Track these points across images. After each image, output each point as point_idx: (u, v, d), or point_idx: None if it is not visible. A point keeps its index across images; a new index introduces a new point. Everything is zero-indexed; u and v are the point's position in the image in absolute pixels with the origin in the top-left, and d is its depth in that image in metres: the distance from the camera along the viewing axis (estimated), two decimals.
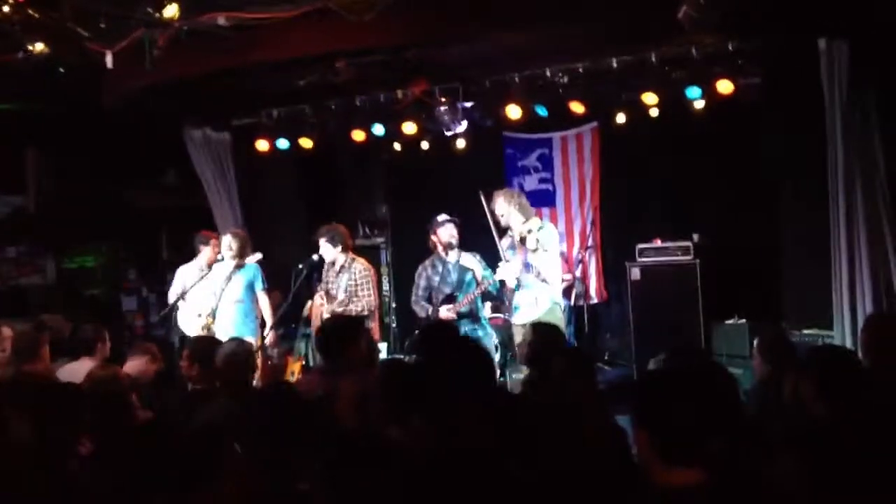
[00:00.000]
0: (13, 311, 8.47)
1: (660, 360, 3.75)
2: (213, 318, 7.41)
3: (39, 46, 5.89)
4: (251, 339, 7.10)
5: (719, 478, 2.42)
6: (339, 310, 6.92)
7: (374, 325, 7.16)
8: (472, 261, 6.94)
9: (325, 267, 7.32)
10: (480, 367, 3.78)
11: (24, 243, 9.78)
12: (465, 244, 7.24)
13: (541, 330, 5.09)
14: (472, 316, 6.94)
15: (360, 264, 7.22)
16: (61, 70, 6.42)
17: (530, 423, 3.33)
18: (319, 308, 7.13)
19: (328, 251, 7.16)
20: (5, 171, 9.63)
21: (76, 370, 5.52)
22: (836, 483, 2.63)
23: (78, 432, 3.53)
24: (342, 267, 7.16)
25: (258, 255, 7.55)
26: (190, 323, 7.56)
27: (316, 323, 7.17)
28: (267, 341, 7.43)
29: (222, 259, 7.54)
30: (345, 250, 7.20)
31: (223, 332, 7.14)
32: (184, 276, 7.76)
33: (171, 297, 7.72)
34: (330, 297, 7.12)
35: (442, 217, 7.06)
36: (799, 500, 2.73)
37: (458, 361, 4.30)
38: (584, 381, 3.94)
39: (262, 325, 7.51)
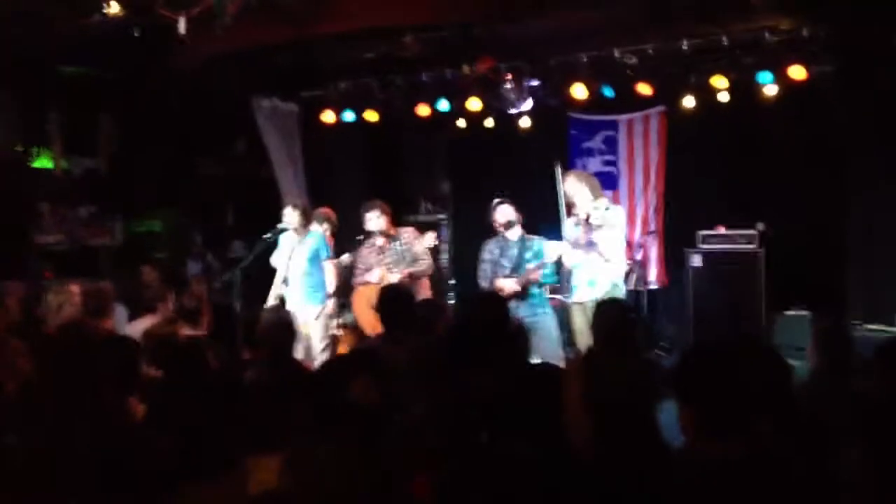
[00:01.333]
0: (82, 271, 8.70)
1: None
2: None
3: (115, 9, 6.01)
4: (318, 309, 7.25)
5: (758, 455, 2.40)
6: (407, 272, 7.02)
7: (426, 286, 7.24)
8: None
9: (366, 245, 7.35)
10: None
11: (95, 205, 10.03)
12: (525, 225, 7.20)
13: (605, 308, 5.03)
14: (533, 294, 6.87)
15: (408, 232, 7.34)
16: (135, 34, 6.54)
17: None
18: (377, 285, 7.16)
19: (380, 223, 7.21)
20: (80, 133, 9.87)
21: (138, 327, 5.73)
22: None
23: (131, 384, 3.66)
24: (391, 237, 7.23)
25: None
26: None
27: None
28: (327, 311, 7.50)
29: (286, 230, 7.63)
30: (392, 223, 7.29)
31: (293, 303, 7.30)
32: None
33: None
34: (386, 266, 7.18)
35: (495, 200, 7.03)
36: (863, 489, 2.69)
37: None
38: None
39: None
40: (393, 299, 5.05)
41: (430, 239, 7.51)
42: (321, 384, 3.38)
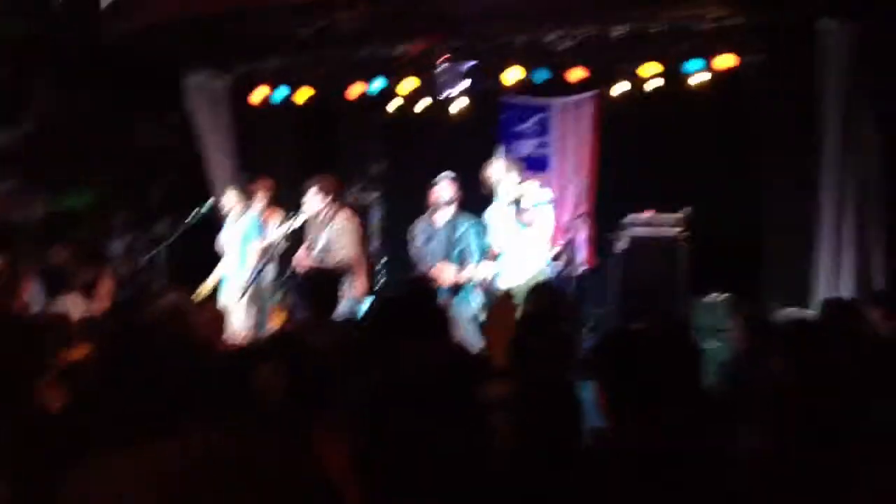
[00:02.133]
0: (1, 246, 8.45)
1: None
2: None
3: None
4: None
5: (668, 441, 2.45)
6: (317, 261, 6.92)
7: (360, 281, 7.16)
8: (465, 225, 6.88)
9: (310, 219, 7.29)
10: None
11: (17, 178, 9.74)
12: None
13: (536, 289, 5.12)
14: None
15: (343, 216, 7.18)
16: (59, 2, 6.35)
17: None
18: (304, 259, 7.12)
19: (315, 203, 7.11)
20: (2, 101, 9.56)
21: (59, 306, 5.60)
22: (797, 450, 2.68)
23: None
24: (326, 218, 7.14)
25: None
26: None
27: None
28: (249, 291, 7.41)
29: (212, 209, 7.55)
30: (332, 202, 7.17)
31: (227, 283, 7.28)
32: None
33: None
34: (310, 248, 7.12)
35: (441, 175, 7.04)
36: (763, 466, 2.78)
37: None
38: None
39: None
40: (317, 283, 5.05)
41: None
42: (223, 370, 3.37)
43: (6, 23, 8.33)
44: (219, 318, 5.02)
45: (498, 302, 4.97)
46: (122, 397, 3.08)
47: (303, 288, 5.02)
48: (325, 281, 5.15)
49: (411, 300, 4.47)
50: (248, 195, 7.48)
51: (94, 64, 8.77)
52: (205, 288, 7.47)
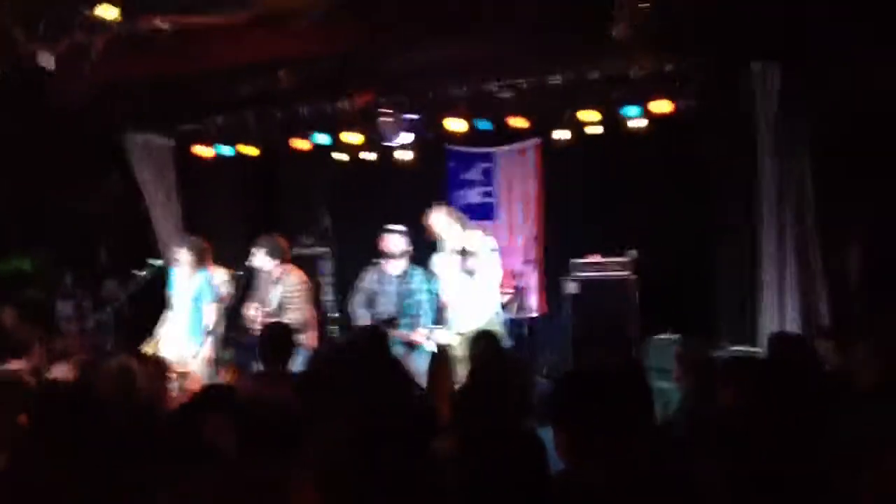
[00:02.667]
0: None
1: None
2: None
3: None
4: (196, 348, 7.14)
5: (624, 477, 2.48)
6: (272, 319, 6.89)
7: (311, 336, 7.13)
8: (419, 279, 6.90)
9: (259, 276, 7.27)
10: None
11: None
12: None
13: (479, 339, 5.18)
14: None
15: (295, 277, 7.16)
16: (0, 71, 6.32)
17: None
18: (254, 316, 7.08)
19: (265, 262, 7.11)
20: None
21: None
22: (751, 482, 2.73)
23: None
24: (277, 278, 7.12)
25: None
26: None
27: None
28: (205, 352, 7.34)
29: (157, 267, 7.48)
30: (282, 262, 7.16)
31: (174, 340, 7.18)
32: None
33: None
34: (263, 306, 7.09)
35: (389, 226, 7.08)
36: (718, 500, 2.82)
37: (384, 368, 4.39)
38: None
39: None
40: (274, 339, 5.03)
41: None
42: (174, 425, 3.35)
43: None
44: (163, 374, 4.97)
45: (435, 357, 5.02)
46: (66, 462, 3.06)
47: (261, 341, 4.98)
48: (281, 334, 5.14)
49: (368, 349, 4.49)
50: (199, 254, 7.43)
51: (36, 128, 8.70)
52: (152, 345, 7.36)
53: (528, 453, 3.03)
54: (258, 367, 5.55)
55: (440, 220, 6.72)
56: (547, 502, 2.75)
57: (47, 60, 5.94)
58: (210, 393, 3.80)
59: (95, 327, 9.39)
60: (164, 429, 3.46)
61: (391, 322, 6.72)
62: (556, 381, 2.96)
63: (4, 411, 3.76)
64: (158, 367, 4.90)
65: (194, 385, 7.02)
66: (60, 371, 5.40)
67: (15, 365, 5.66)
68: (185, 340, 7.20)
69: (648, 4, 5.50)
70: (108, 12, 5.44)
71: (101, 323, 8.33)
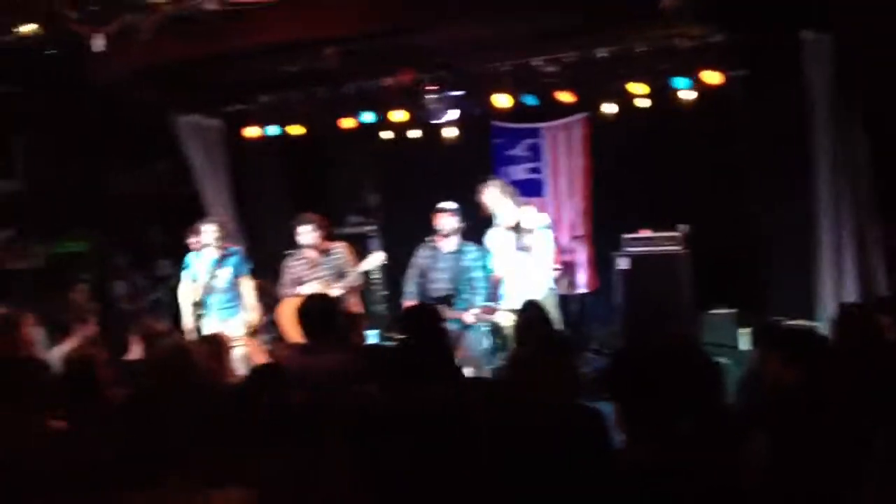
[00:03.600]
0: (2, 296, 8.46)
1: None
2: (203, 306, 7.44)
3: (29, 28, 5.88)
4: (239, 325, 7.21)
5: (680, 458, 2.45)
6: (343, 288, 7.02)
7: (356, 305, 7.23)
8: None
9: (297, 258, 7.31)
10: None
11: (14, 228, 9.77)
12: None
13: (526, 309, 5.18)
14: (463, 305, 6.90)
15: (340, 245, 7.36)
16: (52, 52, 6.40)
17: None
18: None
19: (311, 237, 7.19)
20: None
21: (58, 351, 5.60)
22: (795, 455, 2.68)
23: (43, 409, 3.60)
24: (323, 251, 7.22)
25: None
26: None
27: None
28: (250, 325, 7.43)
29: (204, 247, 7.54)
30: (324, 236, 7.28)
31: (213, 321, 7.24)
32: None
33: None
34: (314, 282, 7.15)
35: (441, 203, 7.08)
36: (764, 474, 2.78)
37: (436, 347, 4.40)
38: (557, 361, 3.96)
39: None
40: (318, 310, 5.05)
41: (379, 258, 7.47)
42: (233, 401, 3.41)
43: None
44: (223, 350, 5.04)
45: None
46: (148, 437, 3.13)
47: (303, 313, 5.00)
48: (323, 306, 5.16)
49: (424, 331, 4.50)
50: (225, 232, 7.50)
51: (85, 113, 8.85)
52: (187, 323, 7.43)
53: (592, 427, 3.00)
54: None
55: (493, 196, 6.69)
56: (610, 476, 2.72)
57: (98, 42, 6.00)
58: (262, 372, 3.85)
59: (150, 307, 9.58)
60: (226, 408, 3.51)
61: (446, 300, 6.72)
62: (618, 356, 2.93)
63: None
64: (219, 343, 4.96)
65: (257, 356, 7.18)
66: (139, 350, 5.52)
67: (68, 344, 5.80)
68: (225, 318, 7.30)
69: None
70: None
71: (155, 302, 8.46)
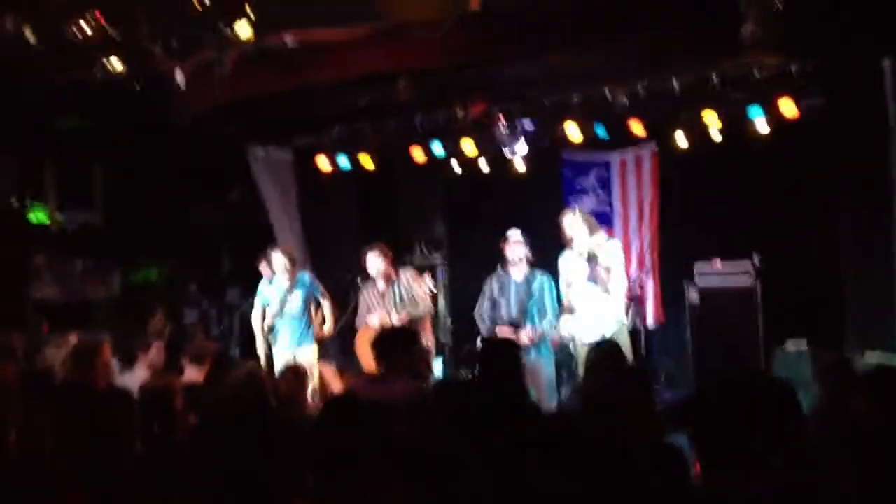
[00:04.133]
0: (80, 323, 8.68)
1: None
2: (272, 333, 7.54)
3: (117, 66, 6.05)
4: (311, 352, 7.31)
5: (777, 491, 2.41)
6: (403, 316, 7.09)
7: (427, 334, 7.27)
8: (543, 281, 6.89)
9: (369, 288, 7.38)
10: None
11: (91, 257, 10.04)
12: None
13: (602, 344, 5.14)
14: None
15: (408, 272, 7.48)
16: (137, 87, 6.59)
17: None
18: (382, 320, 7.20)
19: (379, 264, 7.26)
20: (74, 186, 9.92)
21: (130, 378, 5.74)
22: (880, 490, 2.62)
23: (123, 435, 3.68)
24: (392, 279, 7.30)
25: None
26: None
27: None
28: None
29: (275, 275, 7.66)
30: (391, 265, 7.38)
31: (283, 348, 7.34)
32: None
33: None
34: (387, 309, 7.22)
35: (509, 232, 7.10)
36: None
37: (512, 382, 4.38)
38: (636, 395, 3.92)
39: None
40: (392, 340, 5.07)
41: (427, 283, 7.56)
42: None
43: (76, 114, 8.70)
44: (302, 381, 5.10)
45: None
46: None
47: (377, 343, 5.03)
48: (399, 337, 5.18)
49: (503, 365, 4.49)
50: (292, 260, 7.62)
51: (162, 146, 9.09)
52: (259, 350, 7.53)
53: (677, 464, 2.96)
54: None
55: (573, 224, 6.68)
56: None
57: (181, 77, 6.17)
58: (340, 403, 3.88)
59: (219, 334, 9.74)
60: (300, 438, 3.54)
61: (513, 326, 6.72)
62: (698, 389, 2.89)
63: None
64: (300, 374, 5.02)
65: (334, 384, 7.26)
66: (192, 373, 5.62)
67: (138, 371, 5.93)
68: (297, 344, 7.40)
69: (778, 2, 5.34)
70: (243, 30, 5.61)
71: (225, 330, 8.60)
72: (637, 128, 7.98)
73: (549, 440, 3.32)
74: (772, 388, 3.04)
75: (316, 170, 9.28)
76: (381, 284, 7.32)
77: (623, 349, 5.56)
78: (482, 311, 7.04)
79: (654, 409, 4.49)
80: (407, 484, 2.98)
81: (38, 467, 3.45)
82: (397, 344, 5.02)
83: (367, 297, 7.40)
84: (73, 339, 6.33)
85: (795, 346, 7.73)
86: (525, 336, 6.59)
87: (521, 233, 7.00)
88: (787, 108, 7.20)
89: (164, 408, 4.14)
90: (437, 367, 8.25)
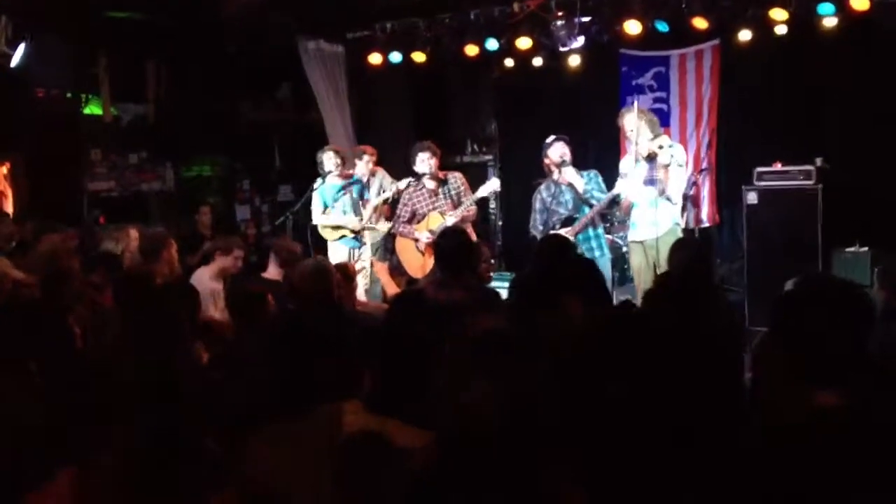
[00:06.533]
0: (136, 216, 8.80)
1: (796, 282, 3.60)
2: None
3: None
4: (367, 250, 7.56)
5: (860, 401, 2.35)
6: (458, 216, 7.03)
7: (471, 231, 7.26)
8: (574, 176, 6.74)
9: (418, 187, 7.29)
10: (594, 283, 3.76)
11: (145, 151, 10.10)
12: (577, 162, 7.10)
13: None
14: (589, 236, 6.82)
15: (456, 173, 7.38)
16: None
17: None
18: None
19: (429, 164, 7.14)
20: (127, 80, 9.92)
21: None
22: None
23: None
24: (441, 178, 7.21)
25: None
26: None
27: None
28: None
29: (328, 173, 7.67)
30: (438, 165, 7.26)
31: (337, 248, 7.46)
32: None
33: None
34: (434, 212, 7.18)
35: (550, 138, 6.94)
36: None
37: (571, 275, 4.33)
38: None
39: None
40: (454, 245, 5.03)
41: (494, 185, 7.44)
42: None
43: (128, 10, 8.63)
44: (350, 278, 5.13)
45: None
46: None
47: (439, 246, 5.01)
48: (457, 241, 5.14)
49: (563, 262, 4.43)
50: (343, 158, 7.62)
51: (210, 42, 9.00)
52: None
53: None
54: None
55: (631, 122, 6.51)
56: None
57: None
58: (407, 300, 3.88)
59: (271, 231, 9.82)
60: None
61: (568, 222, 6.67)
62: (783, 300, 2.77)
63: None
64: (348, 272, 5.04)
65: (389, 287, 7.33)
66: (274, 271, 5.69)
67: (214, 267, 6.00)
68: (348, 244, 7.48)
69: None
70: None
71: (279, 227, 8.64)
72: (700, 24, 7.69)
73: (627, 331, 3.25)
74: (856, 294, 2.93)
75: (367, 66, 9.13)
76: (430, 185, 7.23)
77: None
78: (536, 223, 6.95)
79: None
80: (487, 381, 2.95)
81: (105, 363, 3.51)
82: (459, 249, 4.96)
83: (412, 197, 7.28)
84: (133, 232, 6.41)
85: (855, 249, 7.59)
86: (571, 231, 6.53)
87: (565, 137, 6.84)
88: (859, 4, 6.88)
89: (253, 311, 4.22)
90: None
